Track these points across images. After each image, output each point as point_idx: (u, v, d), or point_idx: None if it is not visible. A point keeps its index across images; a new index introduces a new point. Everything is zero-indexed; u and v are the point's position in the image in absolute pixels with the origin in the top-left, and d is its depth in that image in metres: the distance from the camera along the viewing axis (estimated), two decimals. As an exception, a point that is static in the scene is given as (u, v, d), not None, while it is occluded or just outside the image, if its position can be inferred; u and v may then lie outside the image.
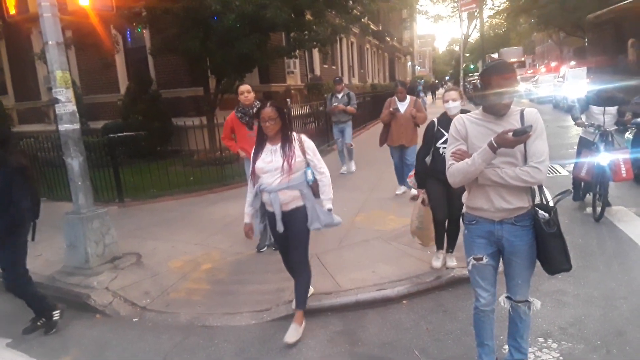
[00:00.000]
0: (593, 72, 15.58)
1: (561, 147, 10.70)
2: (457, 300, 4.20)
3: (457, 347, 3.49)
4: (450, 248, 4.69)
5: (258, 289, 4.69)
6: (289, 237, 3.77)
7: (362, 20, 17.93)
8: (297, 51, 12.91)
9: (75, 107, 5.22)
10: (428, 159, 4.50)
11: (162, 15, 10.24)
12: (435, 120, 4.63)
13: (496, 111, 2.60)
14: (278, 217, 3.65)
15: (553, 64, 44.74)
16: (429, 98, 36.10)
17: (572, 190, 6.41)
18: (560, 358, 3.21)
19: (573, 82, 19.13)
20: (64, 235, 5.37)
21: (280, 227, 3.69)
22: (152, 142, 12.20)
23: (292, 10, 10.42)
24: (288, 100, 11.29)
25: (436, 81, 53.85)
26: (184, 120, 11.16)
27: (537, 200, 2.77)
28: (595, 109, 6.10)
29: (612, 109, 6.03)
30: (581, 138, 6.47)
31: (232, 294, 4.66)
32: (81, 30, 9.98)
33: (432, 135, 4.53)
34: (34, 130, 15.61)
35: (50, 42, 5.07)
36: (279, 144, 3.66)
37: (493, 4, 44.85)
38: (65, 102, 5.11)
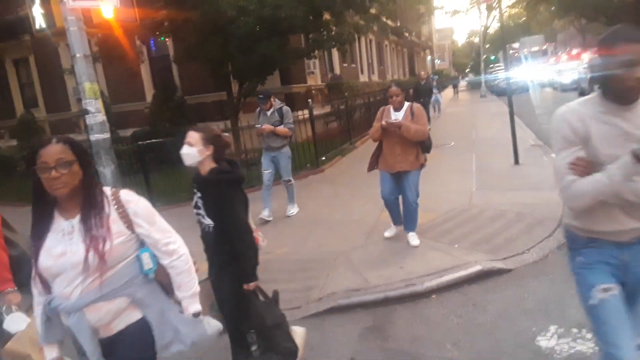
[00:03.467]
0: None
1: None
2: (486, 293, 4.19)
3: (489, 341, 3.49)
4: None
5: (288, 288, 4.75)
6: None
7: (381, 18, 17.84)
8: (317, 52, 12.98)
9: (104, 117, 5.41)
10: None
11: (183, 25, 10.44)
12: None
13: (629, 94, 1.91)
14: (92, 352, 2.03)
15: (575, 52, 43.79)
16: (447, 94, 35.71)
17: None
18: (596, 348, 3.17)
19: None
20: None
21: None
22: (180, 147, 12.42)
23: (309, 11, 10.47)
24: (309, 100, 11.36)
25: (457, 74, 53.09)
26: (210, 124, 11.34)
27: None
28: None
29: None
30: None
31: (262, 293, 4.74)
32: (107, 42, 10.26)
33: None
34: (64, 141, 16.04)
35: (77, 55, 5.26)
36: (79, 216, 2.01)
37: (513, -6, 44.08)
38: (95, 113, 5.30)
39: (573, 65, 26.86)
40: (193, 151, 3.02)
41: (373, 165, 5.47)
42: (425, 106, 15.32)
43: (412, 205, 5.28)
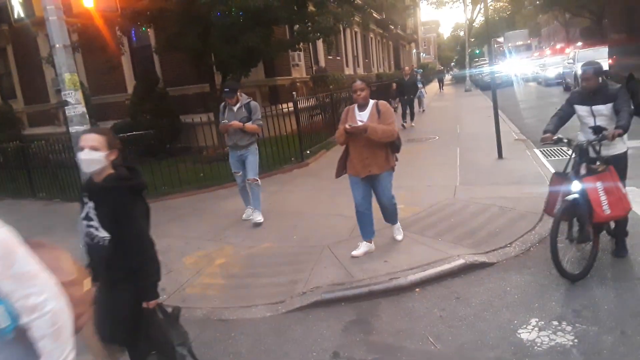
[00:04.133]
0: (616, 51, 12.98)
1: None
2: (470, 286, 4.22)
3: (471, 333, 3.51)
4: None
5: (272, 282, 4.75)
6: None
7: (365, 10, 17.79)
8: (302, 44, 12.89)
9: (84, 109, 5.31)
10: None
11: (163, 13, 10.27)
12: None
13: None
14: None
15: (559, 46, 44.26)
16: (433, 88, 35.82)
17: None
18: (575, 340, 3.22)
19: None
20: (80, 235, 5.45)
21: None
22: (161, 140, 12.28)
23: (294, 3, 10.37)
24: (294, 93, 11.29)
25: (442, 67, 53.23)
26: (192, 117, 11.25)
27: None
28: (581, 110, 4.38)
29: (604, 108, 4.23)
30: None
31: (246, 287, 4.72)
32: (87, 32, 10.05)
33: None
34: (44, 132, 15.81)
35: (57, 45, 5.14)
36: None
37: (498, -13, 44.39)
38: (75, 104, 5.19)
39: (557, 59, 26.81)
40: (99, 156, 2.63)
41: (341, 170, 5.11)
42: (410, 103, 15.03)
43: (389, 207, 5.14)
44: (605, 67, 14.10)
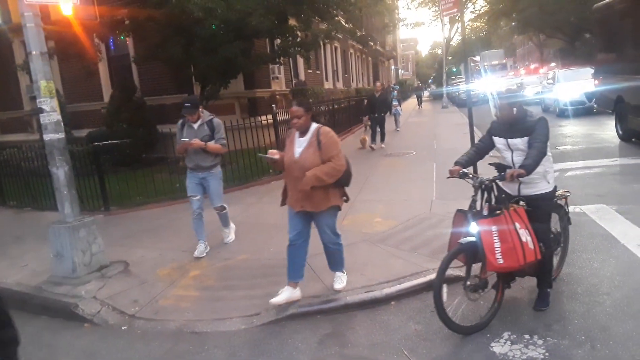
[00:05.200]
0: (602, 72, 12.22)
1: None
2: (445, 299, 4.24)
3: (445, 346, 3.54)
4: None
5: (247, 294, 4.70)
6: None
7: (346, 25, 17.94)
8: (282, 57, 12.96)
9: (60, 117, 5.22)
10: None
11: (145, 23, 10.23)
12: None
13: None
14: None
15: (533, 66, 45.45)
16: (411, 104, 36.28)
17: None
18: (546, 354, 3.27)
19: (565, 83, 17.90)
20: (50, 245, 5.34)
21: None
22: (137, 149, 12.15)
23: (276, 17, 10.45)
24: (273, 105, 11.31)
25: (420, 84, 53.96)
26: (169, 127, 11.12)
27: None
28: (499, 142, 4.01)
29: (520, 142, 3.82)
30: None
31: (221, 299, 4.67)
32: (64, 39, 9.92)
33: None
34: (17, 139, 15.45)
35: (34, 52, 5.06)
36: None
37: (474, 8, 45.47)
38: (50, 112, 5.10)
39: (535, 79, 26.64)
40: None
41: (284, 198, 4.49)
42: (381, 122, 13.93)
43: (332, 247, 4.43)
44: (591, 88, 13.83)
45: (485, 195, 3.77)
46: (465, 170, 3.91)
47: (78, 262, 5.19)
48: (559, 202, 4.26)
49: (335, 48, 28.42)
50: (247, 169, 9.91)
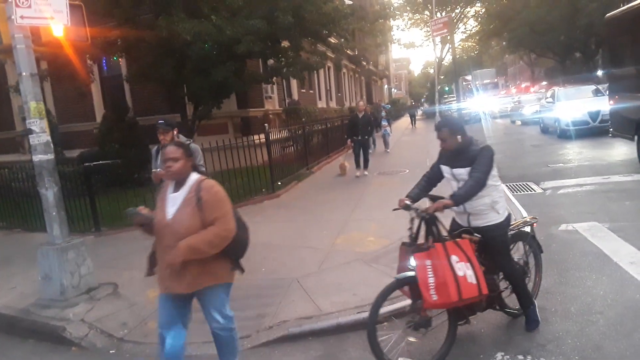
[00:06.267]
0: (619, 90, 10.65)
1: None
2: (438, 320, 4.20)
3: (439, 368, 3.48)
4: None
5: (238, 316, 4.58)
6: None
7: (341, 47, 18.06)
8: (275, 78, 13.05)
9: (49, 138, 5.19)
10: None
11: (137, 44, 10.29)
12: None
13: None
14: None
15: (524, 85, 46.04)
16: (403, 123, 36.43)
17: None
18: (540, 375, 3.23)
19: (566, 102, 16.20)
20: (39, 266, 5.27)
21: None
22: (129, 169, 12.09)
23: (267, 39, 10.53)
24: (266, 125, 11.34)
25: (413, 102, 54.19)
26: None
27: None
28: (445, 171, 3.85)
29: (464, 172, 3.63)
30: None
31: (211, 322, 4.59)
32: (56, 60, 9.94)
33: None
34: (8, 160, 15.35)
35: (24, 74, 5.06)
36: None
37: (465, 28, 46.23)
38: (40, 133, 5.08)
39: (533, 97, 25.34)
40: None
41: (151, 267, 3.43)
42: (364, 146, 12.10)
43: (221, 333, 3.41)
44: (605, 108, 12.21)
45: (434, 228, 3.56)
46: (408, 202, 3.71)
47: (66, 285, 5.11)
48: (523, 229, 4.10)
49: (329, 68, 28.68)
50: (240, 188, 9.88)
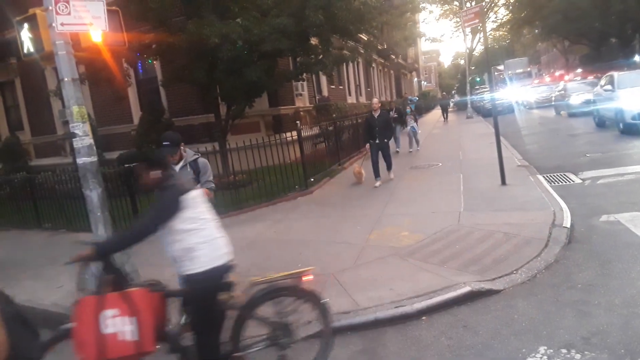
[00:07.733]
0: None
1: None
2: (476, 314, 4.18)
3: (479, 362, 3.47)
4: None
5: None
6: None
7: (371, 43, 17.93)
8: (305, 74, 13.10)
9: (92, 141, 5.37)
10: None
11: (170, 48, 10.52)
12: None
13: None
14: None
15: (558, 73, 44.71)
16: (435, 115, 35.92)
17: None
18: (584, 368, 3.18)
19: (631, 90, 12.93)
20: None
21: None
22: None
23: (295, 37, 10.58)
24: (298, 122, 11.42)
25: (445, 93, 53.18)
26: (197, 146, 11.33)
27: None
28: None
29: None
30: None
31: (251, 317, 4.68)
32: (94, 65, 10.26)
33: None
34: (50, 163, 15.99)
35: (66, 79, 5.24)
36: None
37: (496, 17, 45.28)
38: (83, 136, 5.26)
39: (581, 84, 21.64)
40: None
41: None
42: (383, 149, 10.51)
43: None
44: None
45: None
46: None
47: (111, 282, 5.29)
48: (284, 283, 3.60)
49: (358, 63, 28.56)
50: (274, 186, 9.99)
